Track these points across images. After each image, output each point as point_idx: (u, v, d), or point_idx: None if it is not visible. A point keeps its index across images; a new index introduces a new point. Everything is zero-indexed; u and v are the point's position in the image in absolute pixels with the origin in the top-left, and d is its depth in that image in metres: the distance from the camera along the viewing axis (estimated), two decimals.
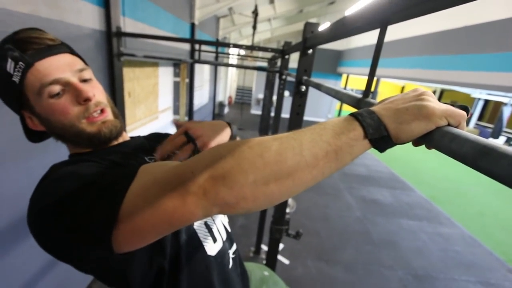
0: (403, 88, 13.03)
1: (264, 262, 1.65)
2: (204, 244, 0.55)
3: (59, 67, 0.46)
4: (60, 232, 0.37)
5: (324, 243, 2.76)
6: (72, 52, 0.51)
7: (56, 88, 0.46)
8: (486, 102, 10.90)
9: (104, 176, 0.39)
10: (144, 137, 0.67)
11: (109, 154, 0.52)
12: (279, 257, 2.39)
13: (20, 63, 0.43)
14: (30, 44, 0.44)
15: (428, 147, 0.33)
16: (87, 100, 0.48)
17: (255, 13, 3.99)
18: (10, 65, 0.43)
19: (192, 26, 3.70)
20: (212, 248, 0.56)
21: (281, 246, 2.45)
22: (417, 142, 0.34)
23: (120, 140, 0.58)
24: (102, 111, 0.52)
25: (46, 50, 0.46)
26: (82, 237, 0.36)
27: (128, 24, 1.94)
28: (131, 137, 0.64)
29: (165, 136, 0.74)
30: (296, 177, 0.31)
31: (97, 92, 0.52)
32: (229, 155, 0.32)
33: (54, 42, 0.47)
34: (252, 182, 0.30)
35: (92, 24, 1.51)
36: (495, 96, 8.89)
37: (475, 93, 9.63)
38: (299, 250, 2.55)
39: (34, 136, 0.55)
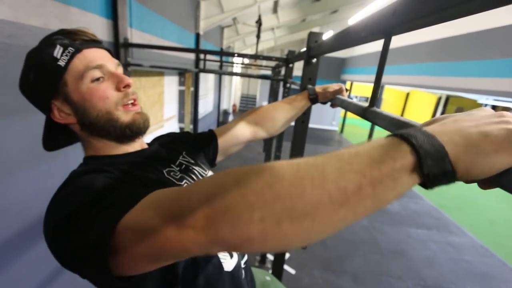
0: (408, 94, 12.96)
1: (270, 271, 1.63)
2: (222, 260, 0.53)
3: (102, 57, 0.50)
4: (67, 246, 0.37)
5: (330, 252, 2.71)
6: (108, 51, 0.55)
7: (98, 73, 0.48)
8: (494, 108, 10.77)
9: (111, 193, 0.38)
10: (160, 143, 0.66)
11: (126, 164, 0.51)
12: (285, 266, 2.35)
13: (70, 48, 0.47)
14: (78, 35, 0.50)
15: (507, 190, 0.23)
16: (127, 86, 0.51)
17: (259, 22, 4.06)
18: (58, 51, 0.46)
19: (197, 36, 3.78)
20: (229, 264, 0.55)
21: (286, 255, 2.41)
22: (487, 184, 0.25)
23: (138, 146, 0.57)
24: (134, 102, 0.53)
25: (92, 42, 0.51)
26: (82, 256, 0.35)
27: (135, 35, 1.98)
28: (148, 143, 0.63)
29: (179, 139, 0.70)
30: (316, 217, 0.24)
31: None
32: (233, 184, 0.26)
33: (97, 38, 0.53)
34: (258, 219, 0.24)
35: (100, 35, 1.55)
36: (503, 102, 8.77)
37: (482, 99, 9.52)
38: (305, 260, 2.51)
39: (53, 137, 0.55)
